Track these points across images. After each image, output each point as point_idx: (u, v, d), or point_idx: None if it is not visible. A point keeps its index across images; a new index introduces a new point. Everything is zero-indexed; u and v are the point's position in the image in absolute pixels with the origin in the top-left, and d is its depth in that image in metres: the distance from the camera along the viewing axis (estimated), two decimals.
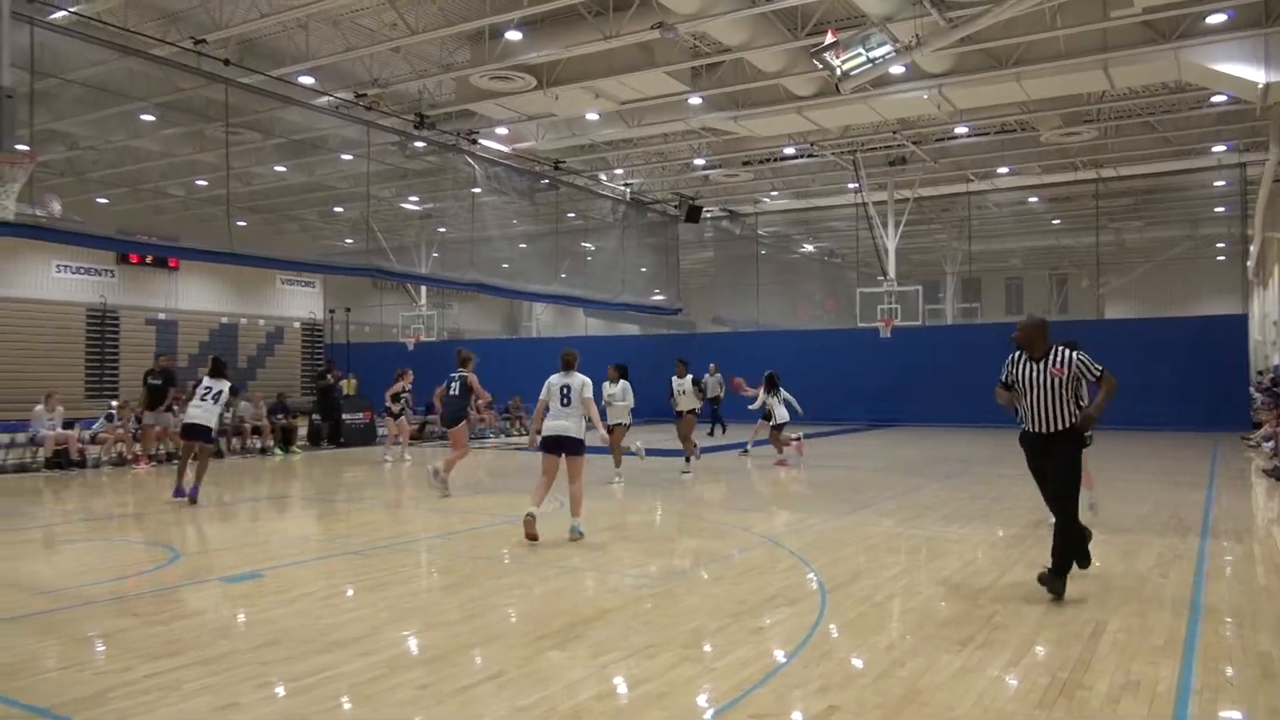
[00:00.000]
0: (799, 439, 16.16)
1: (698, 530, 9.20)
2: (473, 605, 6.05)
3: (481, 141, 21.44)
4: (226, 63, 15.88)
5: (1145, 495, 11.32)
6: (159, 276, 32.31)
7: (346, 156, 23.04)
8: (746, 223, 31.59)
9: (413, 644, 5.25)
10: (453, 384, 11.81)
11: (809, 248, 37.39)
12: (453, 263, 27.82)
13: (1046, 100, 18.51)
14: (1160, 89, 18.54)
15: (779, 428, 15.42)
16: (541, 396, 8.35)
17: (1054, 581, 6.03)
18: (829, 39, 13.08)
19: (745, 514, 10.10)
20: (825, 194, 28.02)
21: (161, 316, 31.98)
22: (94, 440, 15.41)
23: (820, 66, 13.44)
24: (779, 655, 5.00)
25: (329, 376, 20.75)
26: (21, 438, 15.19)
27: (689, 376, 14.63)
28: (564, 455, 8.26)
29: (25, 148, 12.38)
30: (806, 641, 5.20)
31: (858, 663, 4.83)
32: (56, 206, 15.41)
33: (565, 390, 8.28)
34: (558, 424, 8.22)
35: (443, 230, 30.74)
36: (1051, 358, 6.08)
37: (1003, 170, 24.72)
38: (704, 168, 25.16)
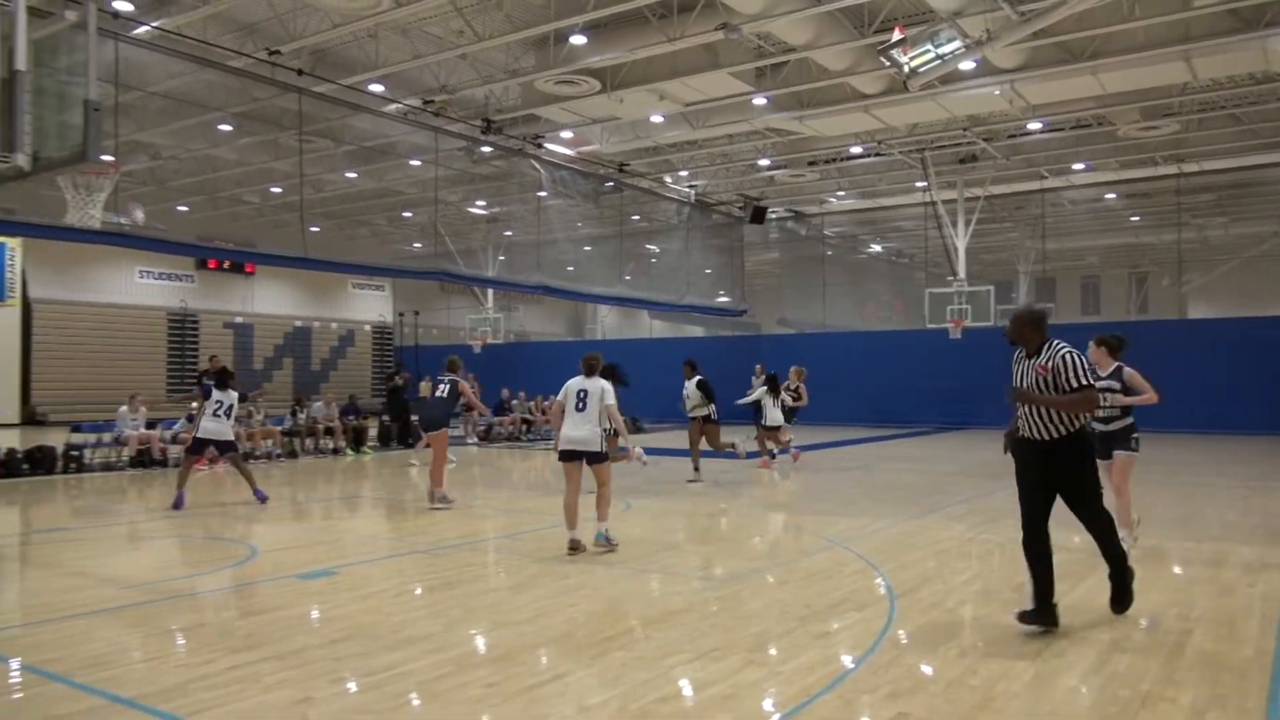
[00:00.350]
0: (795, 449, 15.81)
1: (763, 533, 9.14)
2: (539, 605, 6.09)
3: (547, 145, 21.62)
4: (300, 72, 16.30)
5: (1232, 501, 10.90)
6: (236, 281, 33.30)
7: (415, 162, 23.44)
8: (812, 223, 31.29)
9: (480, 642, 5.31)
10: (440, 386, 11.04)
11: (876, 248, 36.88)
12: (518, 266, 28.13)
13: (1124, 94, 17.93)
14: (1246, 79, 17.82)
15: (772, 429, 15.23)
16: (558, 399, 7.97)
17: (1117, 602, 5.65)
18: (896, 36, 12.88)
19: (811, 517, 10.00)
20: (893, 193, 27.60)
21: (239, 320, 32.95)
22: (175, 440, 15.91)
23: (888, 64, 13.25)
24: (846, 661, 4.93)
25: (398, 379, 21.12)
26: (107, 437, 15.77)
27: (696, 379, 13.82)
28: (591, 465, 7.83)
29: (111, 158, 12.89)
30: (875, 647, 5.12)
31: (928, 670, 4.74)
32: (139, 214, 15.97)
33: (582, 395, 7.83)
34: (573, 434, 7.79)
35: (509, 233, 31.08)
36: (1042, 355, 5.43)
37: (1078, 166, 24.02)
38: (769, 168, 24.99)
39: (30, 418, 27.07)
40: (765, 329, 35.33)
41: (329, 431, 18.52)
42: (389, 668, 4.74)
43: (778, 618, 5.73)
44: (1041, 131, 21.14)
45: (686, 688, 4.51)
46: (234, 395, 11.26)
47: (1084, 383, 5.27)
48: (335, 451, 18.35)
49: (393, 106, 19.08)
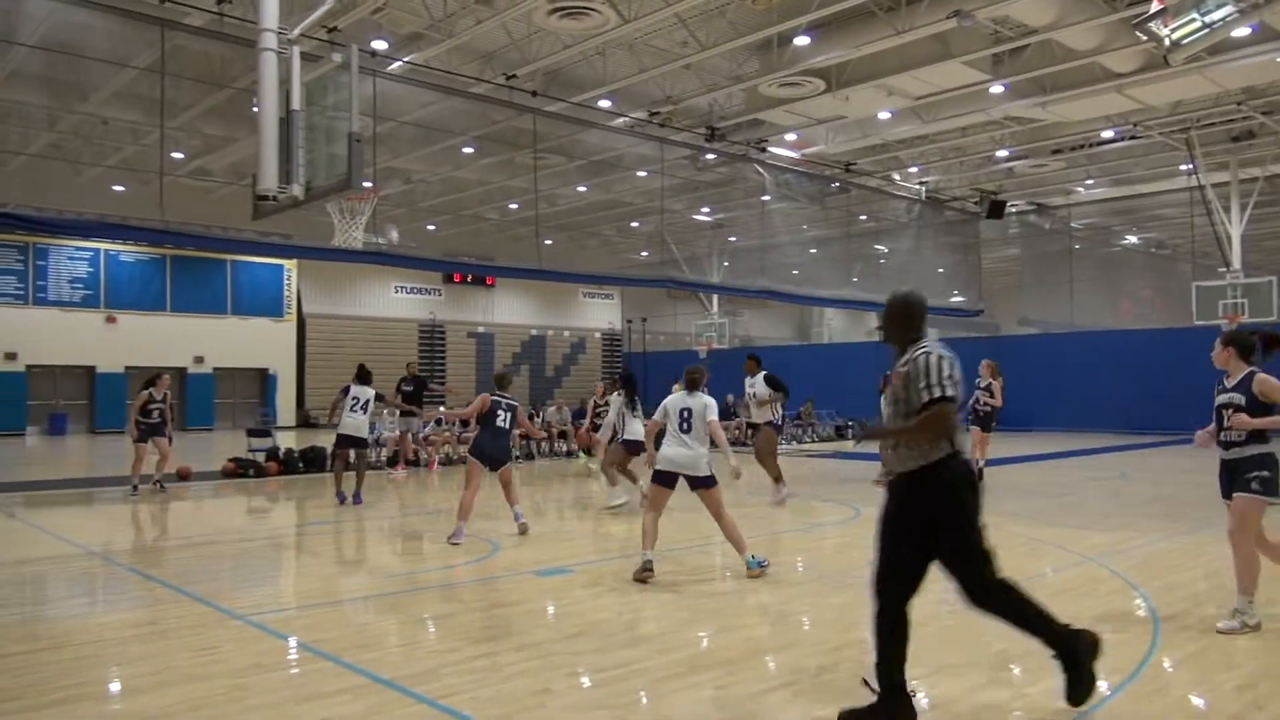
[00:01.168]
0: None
1: (1004, 545, 8.57)
2: (766, 612, 6.04)
3: (771, 149, 21.54)
4: (534, 94, 17.19)
5: None
6: (478, 293, 35.58)
7: (642, 173, 24.07)
8: (1057, 216, 29.19)
9: (709, 645, 5.33)
10: (500, 415, 8.87)
11: (1132, 239, 33.90)
12: (743, 270, 28.19)
13: None
14: None
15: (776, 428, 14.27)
16: (656, 418, 7.24)
17: (1073, 689, 4.08)
18: (1155, 7, 11.75)
19: (1060, 530, 9.30)
20: (1151, 179, 25.25)
21: (480, 330, 35.16)
22: (426, 442, 17.14)
23: (1144, 38, 12.12)
24: (1102, 686, 4.53)
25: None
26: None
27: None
28: (696, 490, 7.06)
29: (370, 184, 14.12)
30: (1136, 674, 4.67)
31: (1199, 702, 4.27)
32: (395, 234, 17.42)
33: (685, 414, 7.05)
34: (676, 452, 7.00)
35: (733, 239, 31.23)
36: (904, 357, 4.05)
37: None
38: (1007, 160, 23.61)
39: (304, 421, 30.18)
40: (1005, 330, 33.39)
41: (562, 435, 19.31)
42: (622, 664, 4.86)
43: (1023, 636, 5.36)
44: None
45: (923, 703, 4.31)
46: (370, 392, 11.90)
47: (934, 395, 3.83)
48: (569, 454, 19.10)
49: (620, 120, 19.70)
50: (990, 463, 13.74)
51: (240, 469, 15.08)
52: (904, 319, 4.12)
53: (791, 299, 26.11)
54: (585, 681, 4.66)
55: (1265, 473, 5.31)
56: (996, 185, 25.63)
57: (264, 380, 30.64)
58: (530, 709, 4.22)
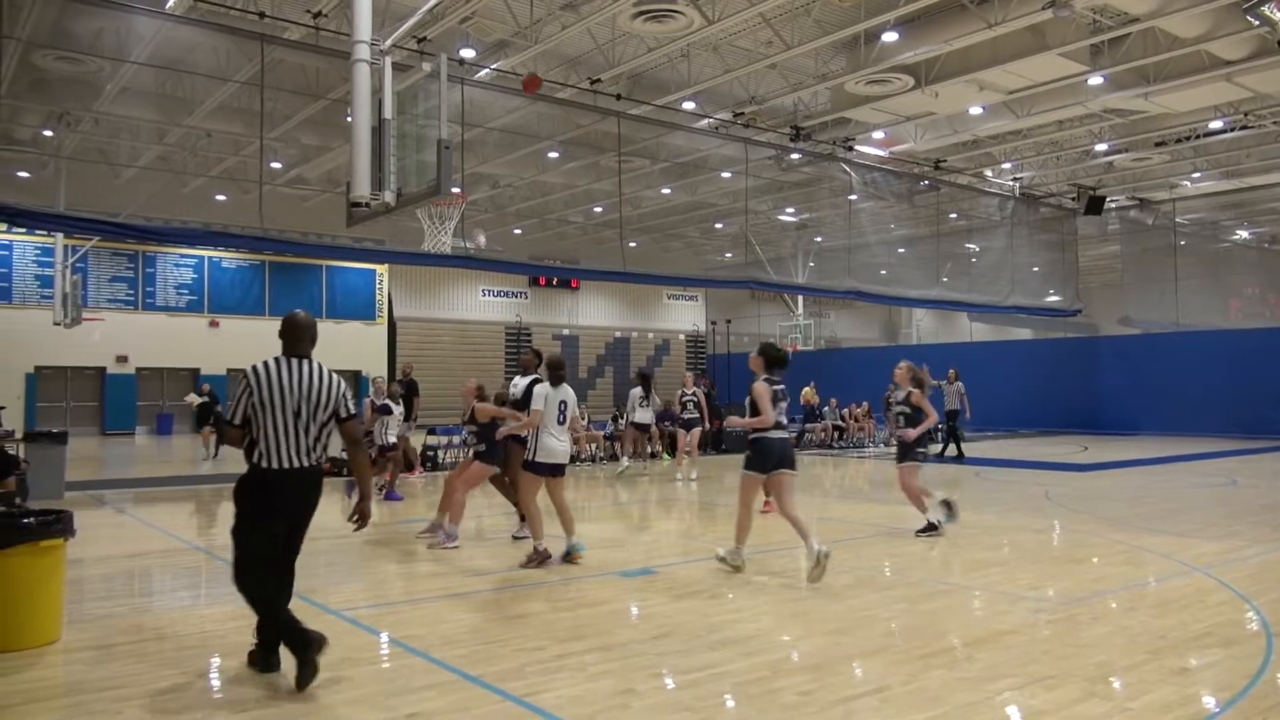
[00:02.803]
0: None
1: (1105, 553, 8.27)
2: (854, 616, 5.94)
3: (857, 148, 21.22)
4: (618, 97, 17.29)
5: None
6: (563, 296, 35.95)
7: (726, 174, 23.97)
8: (1161, 211, 27.99)
9: (794, 650, 5.27)
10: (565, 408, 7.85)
11: (1242, 234, 32.33)
12: (829, 271, 27.83)
13: None
14: None
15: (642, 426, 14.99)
16: (538, 408, 7.55)
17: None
18: None
19: (1164, 538, 8.91)
20: (1264, 170, 24.02)
21: (565, 332, 35.51)
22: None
23: (1256, 23, 11.58)
24: (1209, 702, 4.33)
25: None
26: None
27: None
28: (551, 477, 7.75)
29: (458, 190, 14.39)
30: (1247, 691, 4.44)
31: None
32: (482, 239, 17.69)
33: (564, 406, 7.67)
34: (564, 446, 7.73)
35: (819, 239, 30.85)
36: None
37: None
38: (1106, 153, 22.76)
39: None
40: (1104, 330, 32.18)
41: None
42: (706, 667, 4.84)
43: (1124, 648, 5.16)
44: None
45: (1016, 715, 4.18)
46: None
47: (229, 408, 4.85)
48: (653, 456, 19.13)
49: (704, 122, 19.66)
50: (1088, 467, 13.25)
51: (335, 468, 15.50)
52: (290, 331, 5.05)
53: (879, 300, 25.60)
54: (669, 683, 4.65)
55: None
56: (1095, 180, 24.74)
57: (357, 382, 31.51)
58: (614, 709, 4.23)
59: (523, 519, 8.43)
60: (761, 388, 7.20)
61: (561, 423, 7.61)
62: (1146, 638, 5.34)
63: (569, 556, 7.64)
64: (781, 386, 7.33)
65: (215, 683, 4.76)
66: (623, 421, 19.31)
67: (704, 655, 5.05)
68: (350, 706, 4.28)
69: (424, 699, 4.37)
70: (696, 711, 4.21)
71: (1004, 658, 4.98)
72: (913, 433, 9.08)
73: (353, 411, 4.90)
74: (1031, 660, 4.93)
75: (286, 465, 4.69)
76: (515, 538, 8.82)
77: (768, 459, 7.14)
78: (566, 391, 7.70)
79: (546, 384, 7.66)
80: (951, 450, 17.90)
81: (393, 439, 12.59)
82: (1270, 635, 5.40)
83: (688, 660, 4.97)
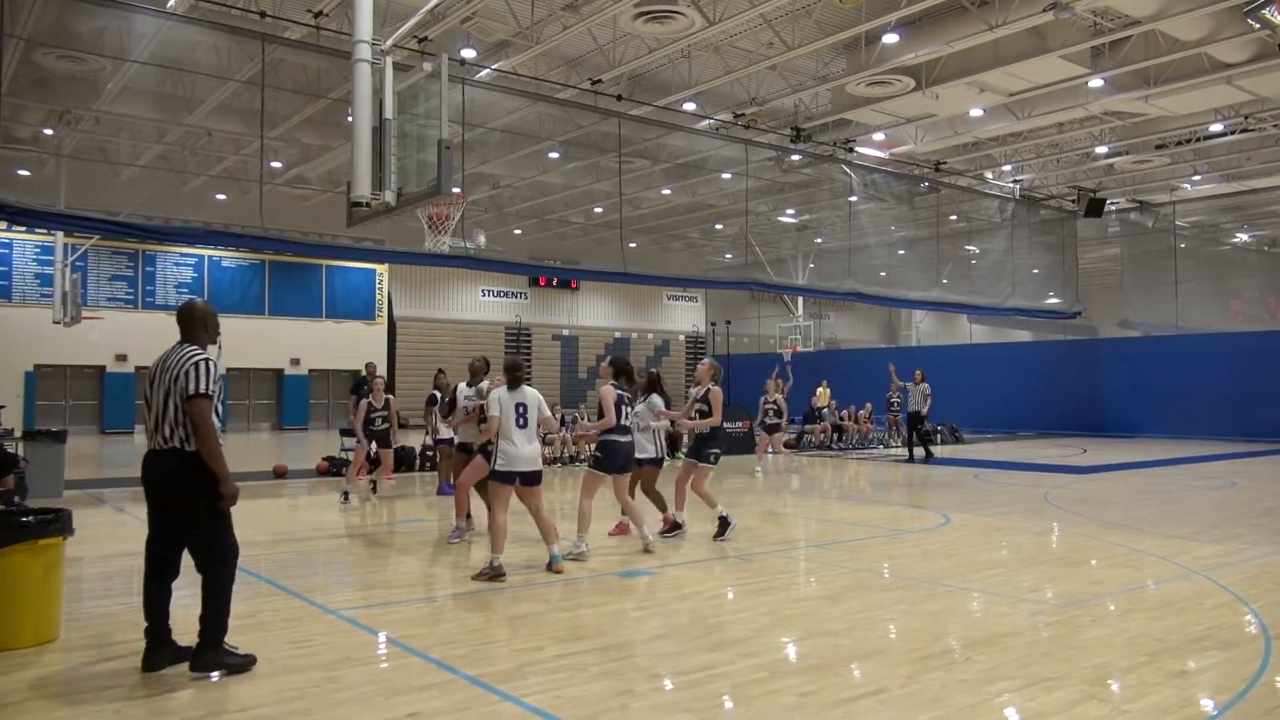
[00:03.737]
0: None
1: (1104, 555, 8.27)
2: (853, 617, 5.94)
3: (858, 149, 21.22)
4: (619, 98, 17.28)
5: None
6: (563, 296, 35.97)
7: (726, 175, 23.98)
8: (1161, 213, 28.01)
9: (793, 651, 5.27)
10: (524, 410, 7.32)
11: (1242, 237, 32.34)
12: (829, 272, 27.82)
13: None
14: None
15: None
16: (494, 413, 7.08)
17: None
18: None
19: (1163, 540, 8.91)
20: (1264, 173, 24.04)
21: (565, 333, 35.53)
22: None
23: (1257, 26, 11.59)
24: (1207, 705, 4.34)
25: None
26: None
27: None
28: (520, 485, 7.25)
29: (459, 190, 14.39)
30: (1245, 694, 4.44)
31: None
32: (482, 239, 17.67)
33: (522, 409, 7.15)
34: (526, 452, 7.14)
35: (819, 241, 30.86)
36: None
37: None
38: (1106, 156, 22.77)
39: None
40: (1104, 332, 32.19)
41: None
42: (704, 668, 4.84)
43: (1122, 650, 5.16)
44: None
45: (1014, 717, 4.18)
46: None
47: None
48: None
49: (705, 123, 19.66)
50: (1088, 469, 13.26)
51: (333, 468, 15.53)
52: (184, 320, 5.18)
53: (879, 301, 25.58)
54: (668, 684, 4.65)
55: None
56: (1095, 182, 24.75)
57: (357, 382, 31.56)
58: (613, 709, 4.23)
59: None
60: (609, 391, 7.76)
61: (523, 426, 7.10)
62: (1145, 640, 5.35)
63: (551, 567, 7.31)
64: (629, 394, 8.03)
65: (215, 682, 4.75)
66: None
67: (703, 656, 5.05)
68: (350, 706, 4.28)
69: (422, 699, 4.37)
70: (695, 712, 4.21)
71: (1003, 660, 4.98)
72: (698, 424, 9.31)
73: (200, 390, 4.72)
74: (1030, 662, 4.93)
75: (150, 448, 4.84)
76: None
77: (613, 460, 7.84)
78: (526, 394, 7.20)
79: (502, 389, 7.20)
80: (920, 452, 17.68)
81: (446, 433, 12.37)
82: (1269, 638, 5.40)
83: (687, 661, 4.97)
